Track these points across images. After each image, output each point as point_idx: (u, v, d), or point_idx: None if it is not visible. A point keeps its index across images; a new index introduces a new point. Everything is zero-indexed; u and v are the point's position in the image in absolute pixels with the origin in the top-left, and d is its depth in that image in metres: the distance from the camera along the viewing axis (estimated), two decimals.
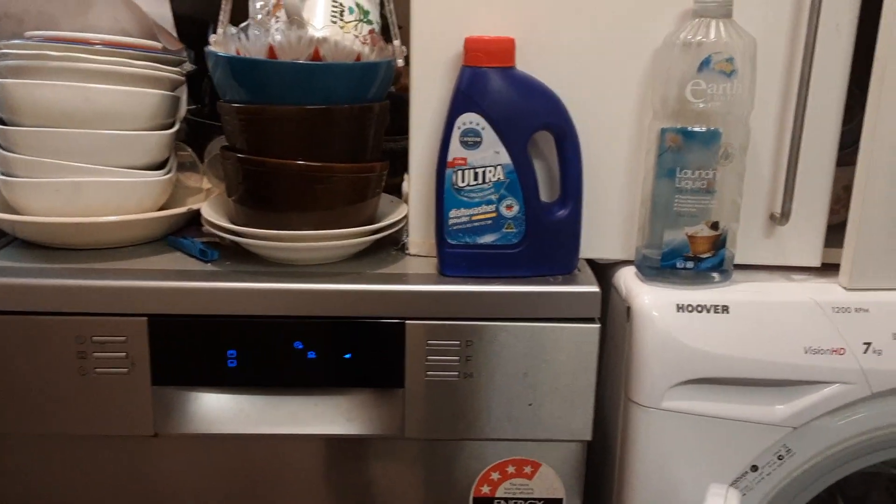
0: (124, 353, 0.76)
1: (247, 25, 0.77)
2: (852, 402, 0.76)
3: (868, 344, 0.75)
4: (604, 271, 0.85)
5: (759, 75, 0.75)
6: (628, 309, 0.77)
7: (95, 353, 0.76)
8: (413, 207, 0.83)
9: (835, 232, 0.82)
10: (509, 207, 0.77)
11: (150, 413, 0.77)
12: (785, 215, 0.78)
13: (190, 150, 0.95)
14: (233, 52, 0.77)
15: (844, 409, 0.76)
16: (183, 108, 0.93)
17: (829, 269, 0.82)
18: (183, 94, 0.92)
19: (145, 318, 0.75)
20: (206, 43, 0.80)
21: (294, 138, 0.77)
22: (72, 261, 0.80)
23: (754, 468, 0.78)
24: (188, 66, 0.91)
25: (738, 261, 0.81)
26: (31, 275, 0.76)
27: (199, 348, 0.76)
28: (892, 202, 0.75)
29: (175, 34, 0.92)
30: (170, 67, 0.85)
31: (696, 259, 0.77)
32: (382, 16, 0.85)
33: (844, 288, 0.78)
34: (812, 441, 0.77)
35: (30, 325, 0.75)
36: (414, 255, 0.84)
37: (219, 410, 0.78)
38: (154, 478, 0.81)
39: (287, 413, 0.79)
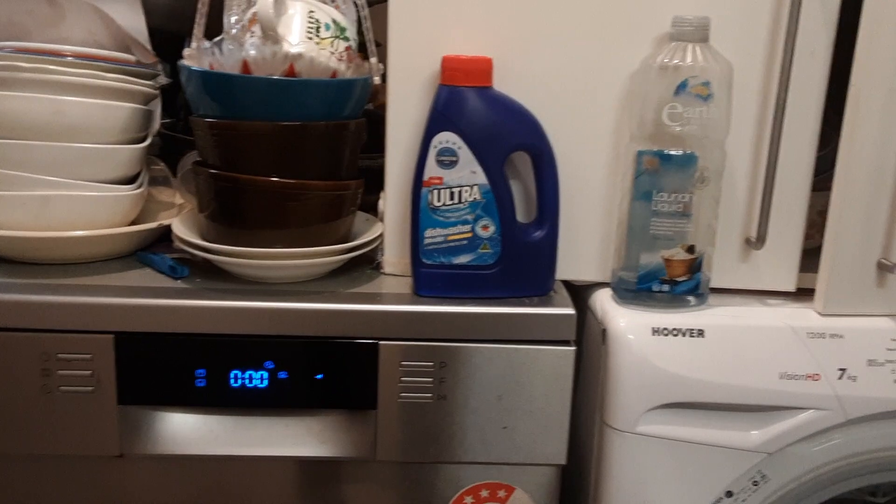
0: (90, 371, 0.74)
1: (221, 40, 0.76)
2: (827, 429, 0.76)
3: (843, 370, 0.75)
4: (579, 293, 0.84)
5: (734, 100, 0.75)
6: (604, 331, 0.76)
7: (60, 371, 0.74)
8: (388, 226, 0.82)
9: (809, 257, 0.82)
10: (485, 228, 0.77)
11: (116, 433, 0.76)
12: (760, 239, 0.78)
13: (163, 164, 0.94)
14: (206, 67, 0.76)
15: (819, 435, 0.76)
16: (156, 122, 0.91)
17: (803, 293, 0.82)
18: (157, 107, 0.91)
19: (112, 336, 0.73)
20: (181, 57, 0.79)
21: (267, 154, 0.76)
22: (38, 276, 0.78)
23: (729, 494, 0.77)
24: (162, 80, 0.90)
25: (712, 284, 0.80)
26: None
27: (166, 367, 0.75)
28: (867, 228, 0.75)
29: (150, 47, 0.91)
30: (143, 81, 0.84)
31: (672, 282, 0.76)
32: (360, 33, 0.85)
33: (819, 313, 0.78)
34: (787, 467, 0.76)
35: None
36: (389, 275, 0.83)
37: (186, 431, 0.77)
38: (119, 499, 0.79)
39: (257, 434, 0.77)
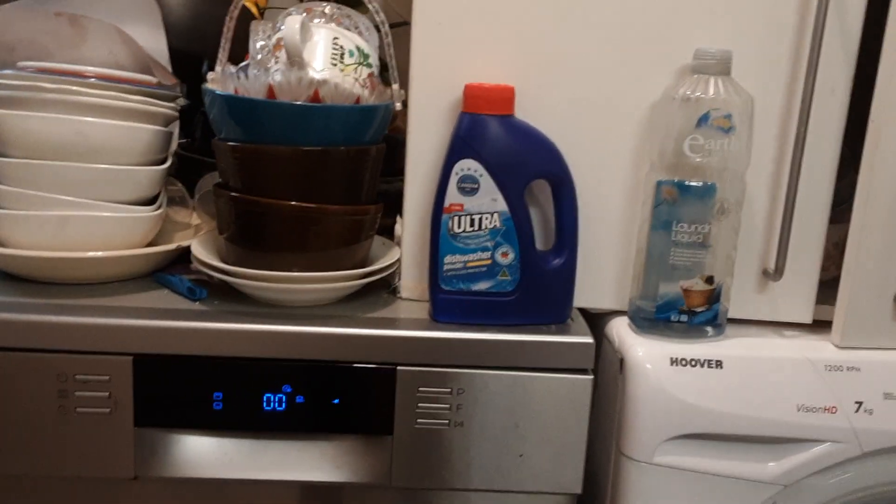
0: (107, 393, 0.74)
1: (246, 65, 0.76)
2: (843, 462, 0.76)
3: (860, 403, 0.75)
4: (595, 321, 0.84)
5: (755, 133, 0.75)
6: (621, 361, 0.76)
7: (77, 392, 0.73)
8: (406, 252, 0.82)
9: (823, 288, 0.82)
10: (505, 255, 0.77)
11: (132, 455, 0.75)
12: (779, 271, 0.78)
13: (180, 184, 0.94)
14: (231, 91, 0.76)
15: (835, 468, 0.76)
16: (174, 143, 0.92)
17: (818, 325, 0.82)
18: (175, 129, 0.91)
19: (130, 358, 0.73)
20: (199, 78, 0.79)
21: (289, 178, 0.76)
22: (56, 296, 0.78)
23: None
24: (181, 101, 0.90)
25: (729, 315, 0.80)
26: (12, 309, 0.74)
27: (184, 389, 0.74)
28: (885, 261, 0.76)
29: (170, 69, 0.91)
30: (164, 103, 0.84)
31: (691, 312, 0.77)
32: (381, 59, 0.85)
33: (836, 346, 0.78)
34: (802, 500, 0.76)
35: (10, 361, 0.73)
36: (406, 300, 0.83)
37: (202, 454, 0.76)
38: None
39: (272, 458, 0.77)
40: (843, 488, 0.77)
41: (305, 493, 0.79)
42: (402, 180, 0.81)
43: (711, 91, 0.72)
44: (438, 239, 0.77)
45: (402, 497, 0.79)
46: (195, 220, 0.95)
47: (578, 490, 0.78)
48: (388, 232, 0.91)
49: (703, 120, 0.72)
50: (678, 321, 0.77)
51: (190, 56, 1.03)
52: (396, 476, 0.77)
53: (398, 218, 0.85)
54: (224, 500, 0.78)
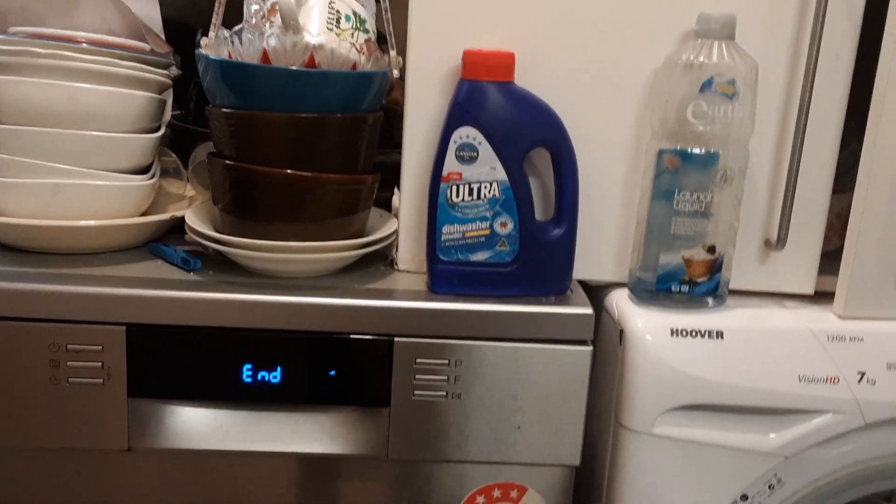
0: (100, 363, 0.73)
1: (240, 29, 0.75)
2: (845, 433, 0.75)
3: (862, 373, 0.74)
4: (594, 293, 0.83)
5: (758, 99, 0.74)
6: (621, 332, 0.75)
7: (69, 362, 0.72)
8: (404, 222, 0.81)
9: (826, 259, 0.81)
10: (504, 225, 0.76)
11: (125, 426, 0.74)
12: (781, 241, 0.77)
13: (174, 155, 0.93)
14: (224, 56, 0.75)
15: (837, 439, 0.75)
16: (168, 113, 0.90)
17: (819, 296, 0.81)
18: (169, 98, 0.90)
19: (123, 327, 0.72)
20: (193, 49, 0.78)
21: (284, 146, 0.75)
22: (48, 265, 0.77)
23: (744, 497, 0.76)
24: (175, 71, 0.89)
25: (731, 286, 0.79)
26: (3, 278, 0.72)
27: (178, 360, 0.73)
28: (889, 231, 0.75)
29: (163, 37, 0.90)
30: (157, 69, 0.83)
31: (692, 283, 0.76)
32: (379, 31, 0.84)
33: (839, 316, 0.77)
34: (803, 471, 0.76)
35: (0, 331, 0.72)
36: (403, 271, 0.82)
37: (197, 425, 0.75)
38: (126, 494, 0.77)
39: (268, 430, 0.76)
40: (845, 460, 0.76)
41: (301, 465, 0.78)
42: (400, 152, 0.79)
43: (715, 56, 0.71)
44: (436, 208, 0.76)
45: (399, 469, 0.78)
46: (189, 191, 0.94)
47: (577, 462, 0.78)
48: (386, 205, 0.90)
49: (707, 86, 0.71)
50: (679, 292, 0.76)
51: (184, 27, 1.02)
52: (393, 448, 0.76)
53: (396, 190, 0.84)
54: (219, 471, 0.77)
